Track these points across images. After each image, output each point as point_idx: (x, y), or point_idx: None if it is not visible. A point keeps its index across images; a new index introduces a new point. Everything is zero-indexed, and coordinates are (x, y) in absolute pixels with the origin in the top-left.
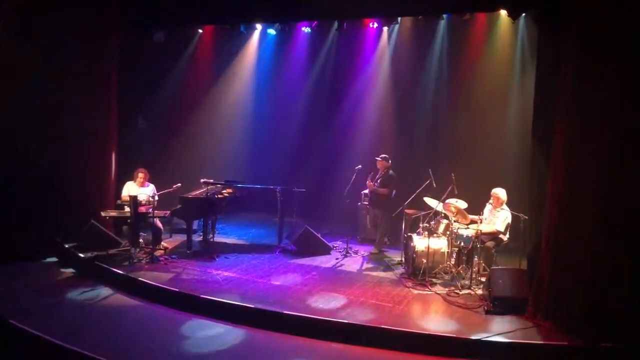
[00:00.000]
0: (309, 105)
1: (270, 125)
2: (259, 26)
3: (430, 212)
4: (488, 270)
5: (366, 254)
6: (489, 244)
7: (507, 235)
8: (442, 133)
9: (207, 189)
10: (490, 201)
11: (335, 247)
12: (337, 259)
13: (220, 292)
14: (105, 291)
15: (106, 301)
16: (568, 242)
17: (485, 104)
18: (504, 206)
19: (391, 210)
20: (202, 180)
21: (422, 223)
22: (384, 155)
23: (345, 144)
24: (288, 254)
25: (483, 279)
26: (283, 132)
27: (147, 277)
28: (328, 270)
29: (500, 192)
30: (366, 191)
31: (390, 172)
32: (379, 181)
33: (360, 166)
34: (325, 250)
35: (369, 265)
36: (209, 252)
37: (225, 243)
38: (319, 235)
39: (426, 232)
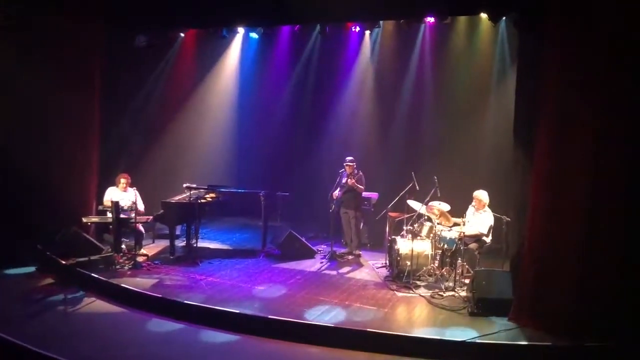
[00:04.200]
0: (292, 108)
1: (253, 129)
2: (241, 30)
3: (414, 215)
4: (472, 272)
5: (351, 257)
6: (472, 246)
7: (490, 237)
8: (425, 136)
9: (190, 194)
10: (473, 203)
11: (320, 250)
12: (321, 262)
13: (204, 298)
14: (87, 298)
15: (88, 308)
16: (550, 243)
17: (467, 107)
18: (487, 208)
19: (358, 208)
20: (185, 185)
21: (406, 226)
22: (352, 158)
23: (328, 147)
24: (272, 258)
25: (467, 281)
26: (266, 136)
27: (129, 283)
28: (313, 274)
29: (482, 195)
30: (337, 193)
31: (360, 172)
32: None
33: (343, 169)
34: (310, 254)
35: (354, 269)
36: (192, 257)
37: (209, 248)
38: (303, 239)
39: (410, 235)
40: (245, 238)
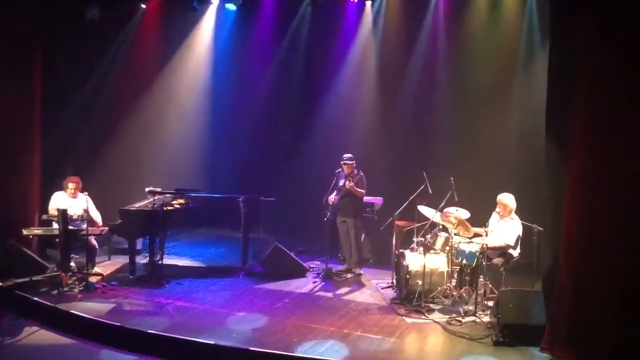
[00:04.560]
0: (277, 96)
1: (230, 121)
2: (215, 0)
3: (426, 224)
4: (496, 292)
5: (350, 275)
6: (497, 260)
7: (518, 250)
8: (439, 128)
9: (154, 200)
10: (497, 210)
11: (313, 268)
12: (314, 282)
13: (171, 326)
14: (27, 327)
15: (29, 340)
16: (593, 257)
17: (488, 93)
18: (513, 215)
19: (358, 216)
20: (147, 189)
21: (417, 237)
22: (350, 155)
23: (322, 142)
24: (255, 277)
25: (490, 304)
26: (247, 129)
27: (80, 309)
28: (303, 297)
29: (507, 199)
30: (332, 197)
31: (361, 173)
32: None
33: (340, 169)
34: (300, 272)
35: (354, 290)
36: (157, 277)
37: (177, 265)
38: (292, 254)
39: (421, 248)
40: (221, 253)
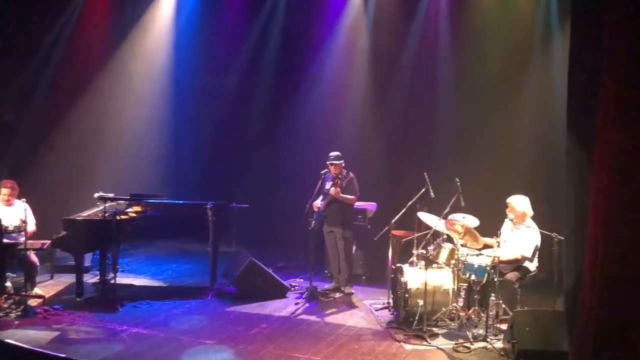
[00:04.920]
0: (252, 86)
1: (197, 115)
2: None
3: (428, 234)
4: (510, 313)
5: (339, 295)
6: (511, 276)
7: (536, 263)
8: (443, 123)
9: (105, 207)
10: (511, 216)
11: (295, 287)
12: (296, 303)
13: (126, 357)
14: None
15: None
16: (625, 271)
17: (499, 85)
18: (530, 221)
19: (348, 225)
20: (97, 194)
21: (417, 249)
22: (338, 154)
23: (305, 139)
24: (226, 298)
25: (504, 327)
26: (216, 125)
27: (18, 338)
28: (284, 321)
29: (519, 202)
30: (318, 203)
31: (351, 174)
32: (337, 187)
33: (326, 170)
34: (280, 292)
35: (343, 311)
36: (110, 298)
37: (134, 285)
38: (270, 271)
39: (422, 262)
40: (186, 270)
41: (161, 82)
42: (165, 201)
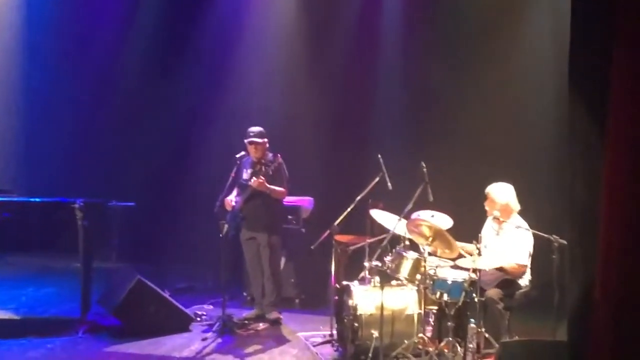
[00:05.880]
0: (137, 55)
1: (57, 87)
2: None
3: (384, 239)
4: (496, 345)
5: (263, 325)
6: (494, 293)
7: (529, 277)
8: (400, 90)
9: None
10: (496, 213)
11: (202, 316)
12: (204, 339)
13: None
14: None
15: None
16: None
17: (479, 38)
18: (518, 219)
19: (275, 229)
20: None
21: (369, 260)
22: (261, 130)
23: (213, 110)
24: (104, 334)
25: None
26: (86, 99)
27: None
28: None
29: (501, 192)
30: (233, 199)
31: (279, 158)
32: (261, 177)
33: (243, 153)
34: (181, 324)
35: (269, 348)
36: None
37: None
38: (166, 295)
39: (377, 278)
40: (47, 296)
41: (8, 44)
42: (15, 199)
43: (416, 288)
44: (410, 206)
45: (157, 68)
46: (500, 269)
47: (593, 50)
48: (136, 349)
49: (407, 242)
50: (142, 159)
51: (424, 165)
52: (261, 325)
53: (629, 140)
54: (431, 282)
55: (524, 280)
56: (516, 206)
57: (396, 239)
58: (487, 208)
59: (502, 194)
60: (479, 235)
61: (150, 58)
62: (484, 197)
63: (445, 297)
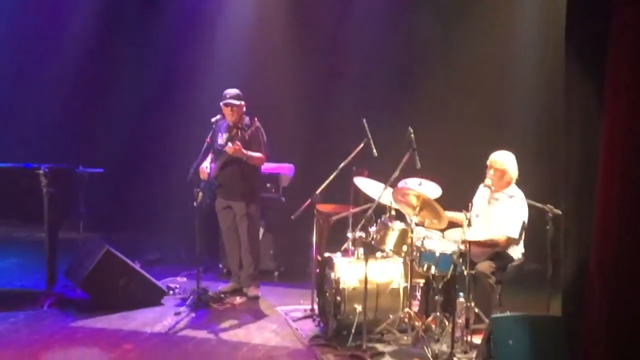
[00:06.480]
0: (110, 19)
1: (27, 60)
2: None
3: (369, 208)
4: (486, 320)
5: (239, 299)
6: (484, 266)
7: (522, 249)
8: (385, 43)
9: None
10: (487, 181)
11: (174, 289)
12: (177, 314)
13: None
14: None
15: None
16: None
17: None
18: (515, 189)
19: (253, 198)
20: None
21: (353, 231)
22: (236, 92)
23: (186, 71)
24: (71, 308)
25: (477, 340)
26: (57, 70)
27: None
28: (159, 340)
29: (505, 160)
30: (208, 167)
31: (256, 122)
32: (237, 142)
33: (219, 116)
34: (152, 298)
35: (246, 323)
36: None
37: None
38: (136, 266)
39: (361, 250)
40: (10, 268)
41: None
42: None
43: (402, 260)
44: (396, 174)
45: (130, 32)
46: (490, 241)
47: (590, 14)
48: (105, 323)
49: (393, 212)
50: (111, 123)
51: (411, 130)
52: (238, 299)
53: (629, 103)
54: (418, 254)
55: (517, 253)
56: (515, 174)
57: (381, 209)
58: (491, 179)
59: (507, 162)
60: (470, 204)
61: (123, 23)
62: (486, 166)
63: (433, 269)
